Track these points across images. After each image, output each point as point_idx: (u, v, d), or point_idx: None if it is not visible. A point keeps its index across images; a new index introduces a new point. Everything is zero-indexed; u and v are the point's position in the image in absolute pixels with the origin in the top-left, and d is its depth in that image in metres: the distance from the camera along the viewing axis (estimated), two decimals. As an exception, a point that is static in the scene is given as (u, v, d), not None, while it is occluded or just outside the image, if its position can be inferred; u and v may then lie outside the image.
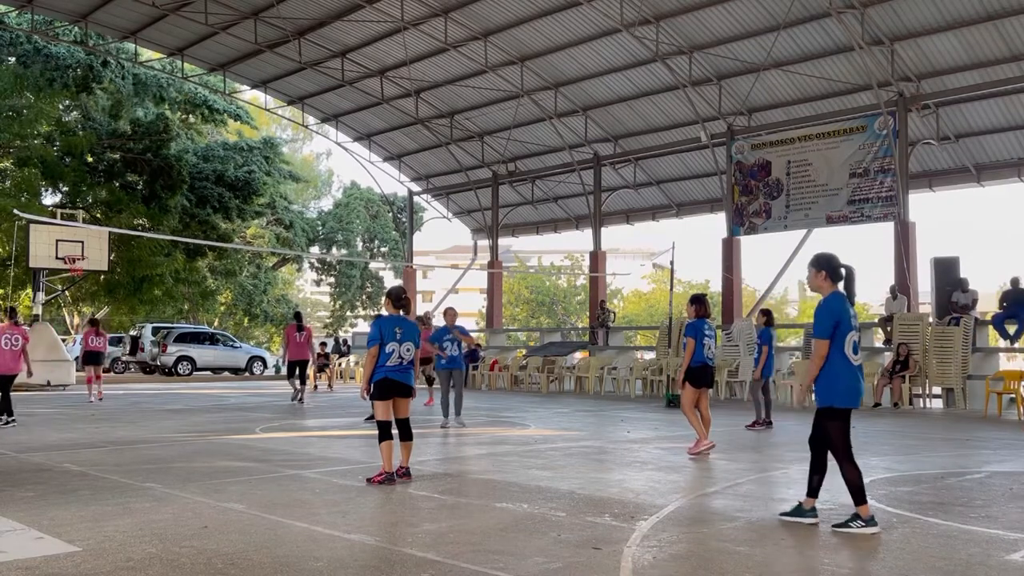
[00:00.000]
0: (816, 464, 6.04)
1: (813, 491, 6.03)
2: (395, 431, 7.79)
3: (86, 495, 7.00)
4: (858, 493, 5.82)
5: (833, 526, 5.88)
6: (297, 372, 17.84)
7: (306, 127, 34.62)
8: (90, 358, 18.60)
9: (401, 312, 7.82)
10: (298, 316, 18.87)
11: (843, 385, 5.87)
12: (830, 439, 5.94)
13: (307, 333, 17.85)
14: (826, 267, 6.04)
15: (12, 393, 12.93)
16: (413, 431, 8.01)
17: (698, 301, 10.08)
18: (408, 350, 7.67)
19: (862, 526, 5.74)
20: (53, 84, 29.94)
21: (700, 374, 9.64)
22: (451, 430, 12.45)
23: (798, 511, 6.01)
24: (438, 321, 34.52)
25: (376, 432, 7.77)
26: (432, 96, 28.95)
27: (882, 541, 5.57)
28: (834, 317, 5.89)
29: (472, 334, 36.21)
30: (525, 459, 9.40)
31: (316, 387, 23.92)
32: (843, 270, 6.07)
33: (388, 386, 7.67)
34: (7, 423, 12.56)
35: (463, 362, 13.50)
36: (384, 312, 8.04)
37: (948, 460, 9.38)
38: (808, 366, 6.09)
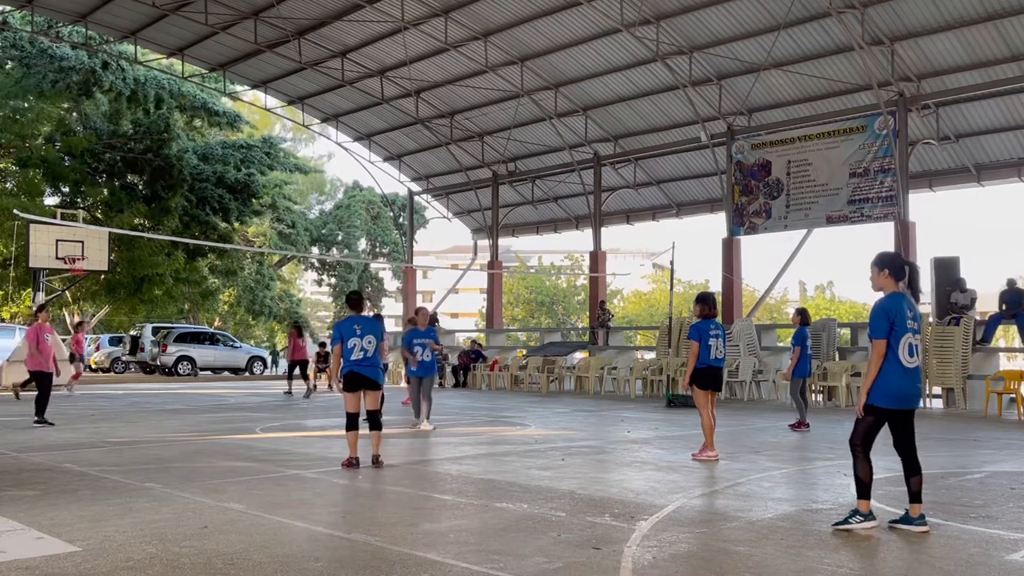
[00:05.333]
0: (911, 467, 5.89)
1: (916, 496, 5.84)
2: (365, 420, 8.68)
3: (86, 495, 7.00)
4: (862, 489, 5.84)
5: (833, 525, 5.89)
6: (297, 371, 21.08)
7: (307, 127, 34.61)
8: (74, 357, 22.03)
9: (356, 312, 8.81)
10: (297, 324, 22.56)
11: (888, 386, 5.77)
12: (856, 428, 5.93)
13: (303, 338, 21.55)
14: (889, 265, 5.98)
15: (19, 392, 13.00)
16: (382, 424, 8.97)
17: (703, 300, 9.78)
18: (369, 342, 8.51)
19: (860, 520, 5.77)
20: (56, 85, 29.96)
21: (706, 376, 9.38)
22: (449, 430, 12.45)
23: (906, 519, 5.86)
24: (442, 321, 34.51)
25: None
26: (432, 96, 28.95)
27: (882, 541, 5.57)
28: (889, 317, 5.80)
29: (472, 335, 36.45)
30: (525, 459, 9.40)
31: (316, 387, 23.93)
32: (906, 268, 6.01)
33: (353, 379, 8.56)
34: None
35: (435, 367, 13.44)
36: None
37: (948, 460, 9.38)
38: (867, 367, 5.97)
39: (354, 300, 8.98)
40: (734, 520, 6.17)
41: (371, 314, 11.09)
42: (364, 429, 8.76)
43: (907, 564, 5.06)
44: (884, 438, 5.97)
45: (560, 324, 50.71)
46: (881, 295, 6.00)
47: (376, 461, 8.66)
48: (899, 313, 5.81)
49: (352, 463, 8.55)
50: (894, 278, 5.95)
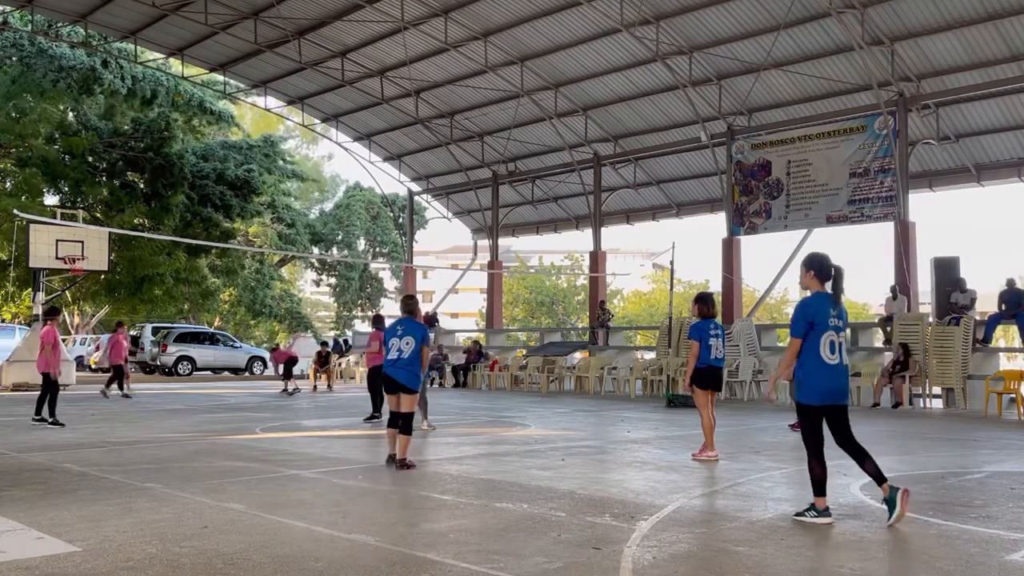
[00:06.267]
0: (857, 457, 6.00)
1: (877, 478, 5.94)
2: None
3: (86, 495, 7.00)
4: (818, 486, 6.03)
5: (794, 515, 6.11)
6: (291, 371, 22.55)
7: (308, 127, 34.63)
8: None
9: (408, 316, 8.95)
10: (275, 347, 25.35)
11: (813, 384, 5.97)
12: (801, 430, 6.15)
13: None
14: (815, 267, 6.18)
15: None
16: (411, 428, 8.81)
17: (702, 301, 9.79)
18: (407, 343, 8.59)
19: (815, 516, 5.99)
20: (57, 85, 29.95)
21: (707, 376, 9.39)
22: (449, 430, 12.45)
23: (891, 507, 5.88)
24: (442, 321, 34.55)
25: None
26: (432, 96, 28.96)
27: (882, 541, 5.57)
28: (808, 317, 6.00)
29: (472, 335, 36.42)
30: (525, 459, 9.40)
31: (316, 387, 23.95)
32: (832, 270, 6.15)
33: (383, 380, 8.85)
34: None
35: (430, 367, 13.52)
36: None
37: (948, 460, 9.38)
38: (780, 362, 6.21)
39: (407, 304, 9.08)
40: (734, 520, 6.17)
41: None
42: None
43: (907, 564, 5.06)
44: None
45: (560, 324, 50.69)
46: (807, 294, 6.20)
47: (401, 464, 8.44)
48: (819, 312, 5.99)
49: (390, 459, 8.71)
50: (819, 279, 6.15)
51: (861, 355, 19.77)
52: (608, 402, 19.10)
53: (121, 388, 20.01)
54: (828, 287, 6.14)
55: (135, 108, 33.23)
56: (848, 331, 6.37)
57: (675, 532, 5.76)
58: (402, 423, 8.59)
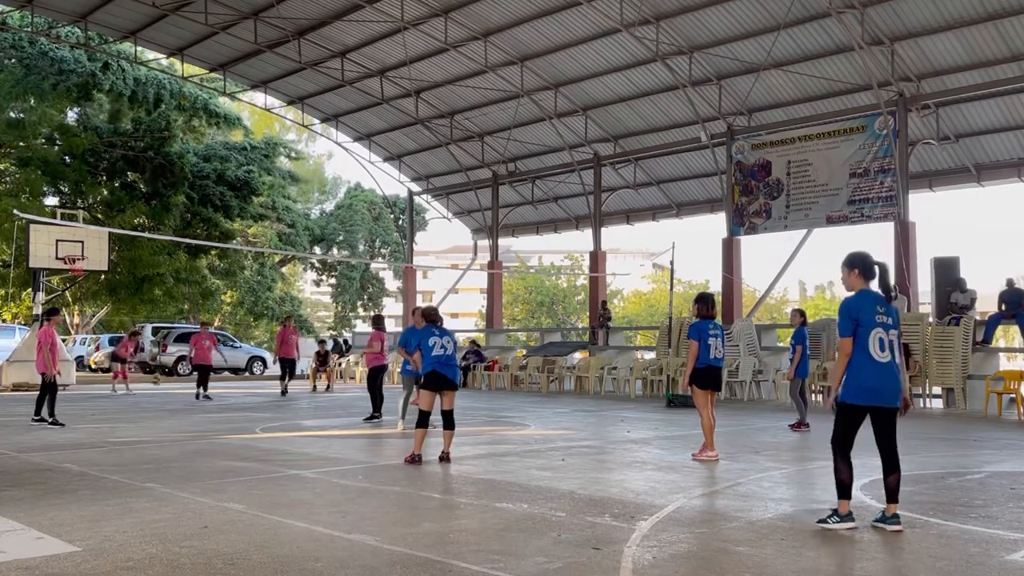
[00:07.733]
0: (889, 465, 5.84)
1: (892, 495, 5.82)
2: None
3: (86, 495, 7.00)
4: (842, 490, 5.86)
5: (817, 521, 5.95)
6: (287, 369, 21.25)
7: (307, 127, 34.62)
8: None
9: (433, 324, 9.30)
10: (287, 319, 22.75)
11: (860, 381, 5.79)
12: (834, 429, 5.94)
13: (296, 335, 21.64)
14: (859, 265, 6.04)
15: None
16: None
17: (702, 301, 9.79)
18: (448, 342, 8.95)
19: (837, 521, 5.82)
20: (57, 88, 29.94)
21: (706, 375, 9.39)
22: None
23: (882, 518, 5.85)
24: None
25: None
26: (432, 96, 28.95)
27: (882, 541, 5.57)
28: (852, 315, 5.86)
29: (472, 335, 36.35)
30: (525, 459, 9.40)
31: (315, 387, 23.94)
32: (876, 268, 6.06)
33: (435, 379, 8.88)
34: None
35: None
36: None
37: (948, 460, 9.39)
38: (835, 366, 6.02)
39: (431, 314, 9.45)
40: (734, 520, 6.17)
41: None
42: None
43: (907, 564, 5.06)
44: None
45: (560, 324, 50.69)
46: (851, 295, 6.08)
47: (447, 457, 9.00)
48: (863, 310, 5.86)
49: (415, 459, 8.81)
50: (864, 277, 6.04)
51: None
52: (608, 402, 19.09)
53: (200, 387, 19.28)
54: (873, 285, 6.03)
55: (140, 111, 33.21)
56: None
57: (675, 532, 5.76)
58: (448, 419, 9.09)
